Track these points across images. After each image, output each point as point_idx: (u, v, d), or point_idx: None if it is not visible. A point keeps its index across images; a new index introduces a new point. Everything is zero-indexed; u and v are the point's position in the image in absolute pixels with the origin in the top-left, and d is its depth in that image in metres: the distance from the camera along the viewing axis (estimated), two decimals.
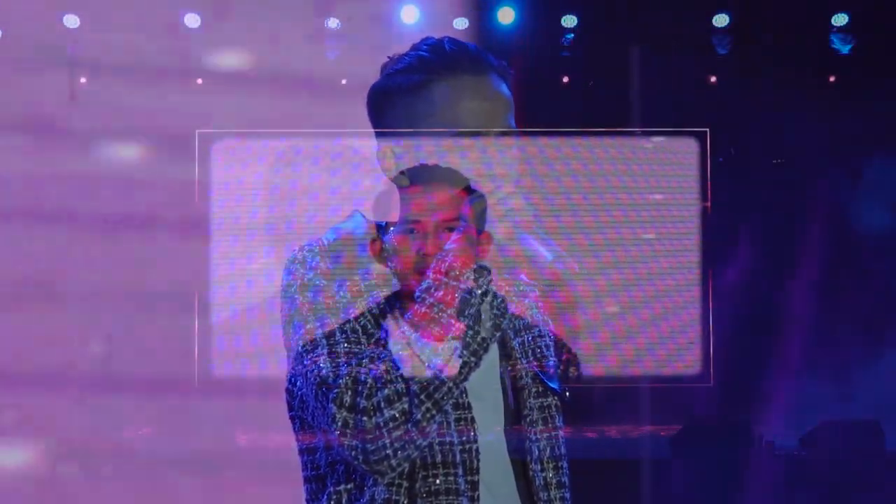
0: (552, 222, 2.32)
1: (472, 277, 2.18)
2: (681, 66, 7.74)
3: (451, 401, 2.17)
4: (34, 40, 7.32)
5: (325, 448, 2.27)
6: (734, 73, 7.87)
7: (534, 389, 2.31)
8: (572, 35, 7.76)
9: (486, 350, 2.16)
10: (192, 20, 7.49)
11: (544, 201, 2.37)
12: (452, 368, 2.17)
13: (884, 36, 7.68)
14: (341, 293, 2.27)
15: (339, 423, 2.15)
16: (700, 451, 7.14)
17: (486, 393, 2.28)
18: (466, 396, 2.24)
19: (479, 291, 2.17)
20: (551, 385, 2.21)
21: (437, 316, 2.16)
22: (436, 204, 2.24)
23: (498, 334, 2.19)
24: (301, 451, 2.34)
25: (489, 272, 2.19)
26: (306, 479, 2.34)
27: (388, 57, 2.41)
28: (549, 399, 2.32)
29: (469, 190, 2.32)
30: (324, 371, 2.20)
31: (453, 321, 2.16)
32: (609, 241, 2.47)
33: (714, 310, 6.56)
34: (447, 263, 2.17)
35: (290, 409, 2.34)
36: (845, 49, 7.73)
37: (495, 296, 2.20)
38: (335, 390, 2.16)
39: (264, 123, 6.36)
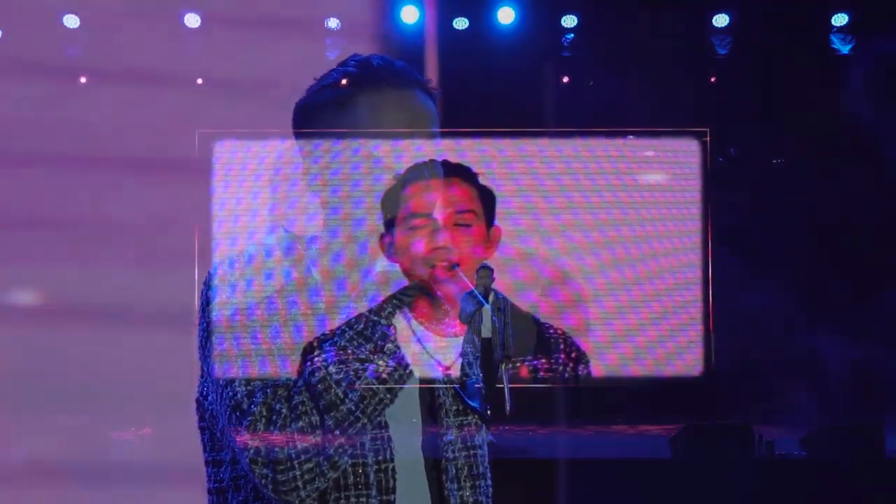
0: (551, 221, 2.32)
1: (475, 277, 2.17)
2: (681, 66, 7.74)
3: (365, 435, 2.16)
4: (34, 40, 7.33)
5: (230, 462, 2.26)
6: (734, 73, 7.87)
7: (453, 408, 2.30)
8: (572, 35, 7.76)
9: (405, 381, 2.15)
10: (192, 20, 7.49)
11: (544, 200, 2.37)
12: (455, 369, 2.17)
13: (883, 36, 7.68)
14: (258, 313, 2.26)
15: (251, 451, 2.14)
16: (700, 451, 7.14)
17: (403, 412, 2.27)
18: (384, 416, 2.22)
19: (480, 293, 2.16)
20: (471, 404, 2.19)
21: (446, 310, 2.16)
22: (445, 197, 2.24)
23: (500, 337, 2.18)
24: (206, 463, 2.34)
25: (491, 272, 2.18)
26: (209, 491, 2.34)
27: (315, 79, 2.43)
28: (470, 418, 2.31)
29: (477, 185, 2.32)
30: (239, 395, 2.19)
31: (455, 322, 2.16)
32: (608, 240, 2.47)
33: (714, 310, 6.54)
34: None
35: (201, 419, 2.34)
36: (845, 49, 7.73)
37: (497, 296, 2.19)
38: (249, 417, 2.15)
39: (265, 123, 6.33)
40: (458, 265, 2.17)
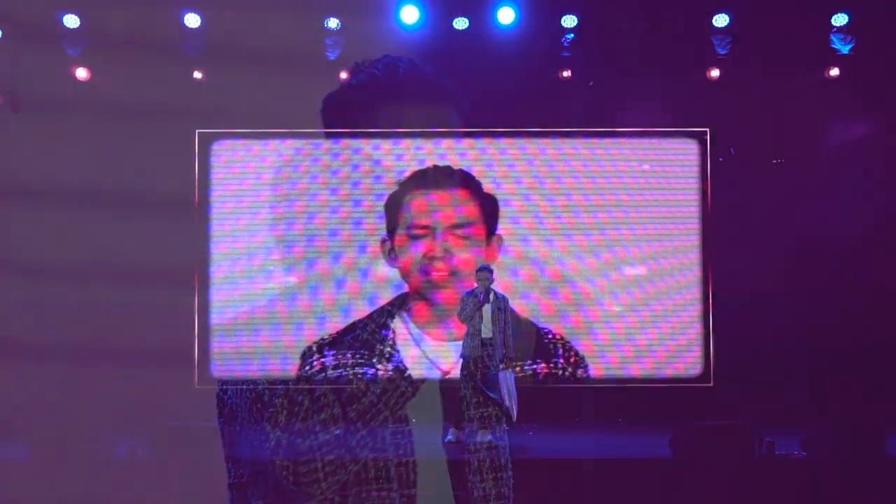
0: (552, 222, 2.33)
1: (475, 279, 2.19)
2: (681, 66, 7.74)
3: (386, 426, 2.18)
4: (34, 40, 7.35)
5: (250, 458, 2.28)
6: (734, 73, 7.87)
7: (474, 400, 2.32)
8: (572, 35, 7.75)
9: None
10: (192, 20, 7.49)
11: (545, 201, 2.38)
12: (457, 369, 2.18)
13: (884, 36, 7.68)
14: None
15: (273, 443, 2.16)
16: (700, 451, 7.14)
17: (424, 406, 2.29)
18: (405, 411, 2.25)
19: (481, 293, 2.18)
20: (492, 396, 2.21)
21: (442, 315, 2.17)
22: (443, 206, 2.26)
23: (500, 336, 2.19)
24: (227, 459, 2.36)
25: (491, 273, 2.20)
26: (230, 487, 2.35)
27: (355, 63, 2.45)
28: (490, 409, 2.33)
29: (480, 193, 2.34)
30: (260, 387, 2.21)
31: (454, 326, 2.17)
32: (609, 241, 2.47)
33: (714, 310, 6.55)
34: None
35: (220, 415, 2.35)
36: (845, 49, 7.73)
37: (496, 296, 2.21)
38: (270, 409, 2.17)
39: (264, 123, 6.34)
40: (452, 274, 2.19)
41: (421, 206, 1.97)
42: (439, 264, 1.97)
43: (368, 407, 2.05)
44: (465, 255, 1.99)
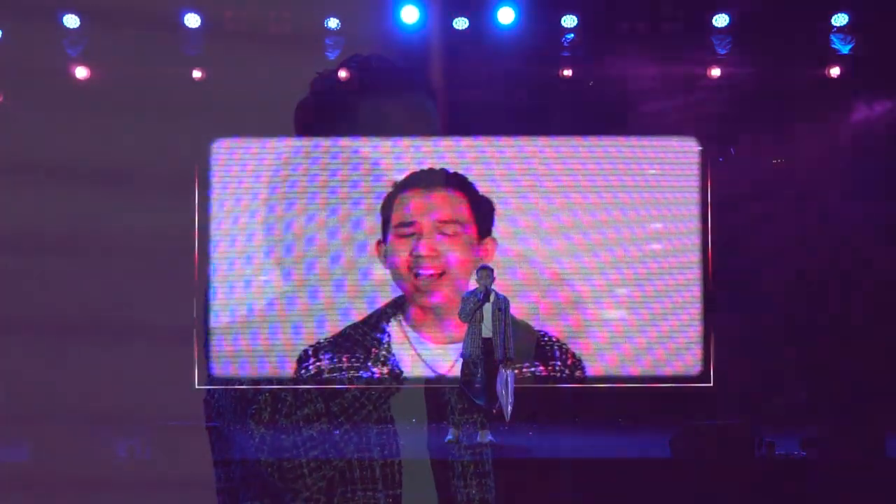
0: (551, 222, 2.33)
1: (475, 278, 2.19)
2: (681, 66, 7.74)
3: (371, 422, 2.18)
4: (34, 40, 7.35)
5: (239, 461, 2.28)
6: (734, 73, 7.87)
7: (459, 406, 2.32)
8: (572, 35, 7.76)
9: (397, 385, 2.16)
10: (192, 20, 7.49)
11: (543, 201, 2.38)
12: (455, 371, 2.18)
13: (884, 36, 7.68)
14: (259, 314, 2.29)
15: (257, 440, 2.16)
16: (700, 451, 7.14)
17: (410, 409, 2.29)
18: (389, 411, 2.25)
19: (481, 293, 2.18)
20: (477, 402, 2.21)
21: (438, 317, 2.18)
22: (432, 205, 2.26)
23: (500, 336, 2.19)
24: (216, 463, 2.36)
25: (491, 272, 2.20)
26: (219, 491, 2.35)
27: (317, 73, 2.46)
28: (475, 416, 2.33)
29: (472, 194, 2.34)
30: (244, 385, 2.22)
31: (455, 322, 2.17)
32: (608, 241, 2.47)
33: (714, 310, 6.52)
34: None
35: (208, 419, 2.36)
36: (845, 49, 7.74)
37: (497, 297, 2.21)
38: (254, 406, 2.17)
39: (264, 123, 6.33)
40: (441, 273, 2.19)
41: (408, 205, 1.97)
42: (427, 262, 1.98)
43: (352, 401, 2.05)
44: (455, 255, 1.99)
